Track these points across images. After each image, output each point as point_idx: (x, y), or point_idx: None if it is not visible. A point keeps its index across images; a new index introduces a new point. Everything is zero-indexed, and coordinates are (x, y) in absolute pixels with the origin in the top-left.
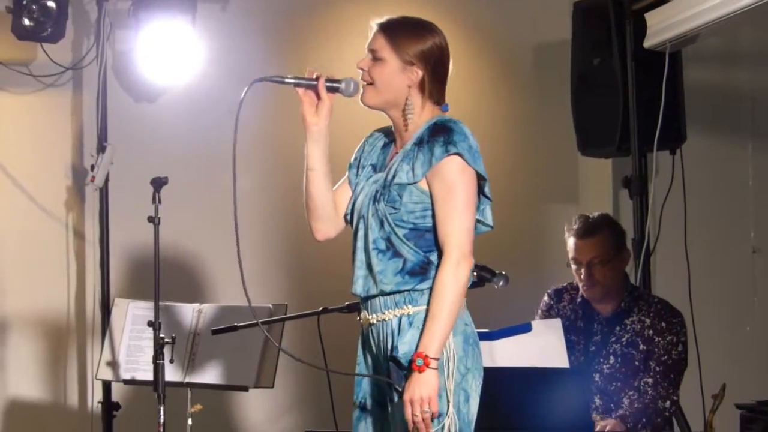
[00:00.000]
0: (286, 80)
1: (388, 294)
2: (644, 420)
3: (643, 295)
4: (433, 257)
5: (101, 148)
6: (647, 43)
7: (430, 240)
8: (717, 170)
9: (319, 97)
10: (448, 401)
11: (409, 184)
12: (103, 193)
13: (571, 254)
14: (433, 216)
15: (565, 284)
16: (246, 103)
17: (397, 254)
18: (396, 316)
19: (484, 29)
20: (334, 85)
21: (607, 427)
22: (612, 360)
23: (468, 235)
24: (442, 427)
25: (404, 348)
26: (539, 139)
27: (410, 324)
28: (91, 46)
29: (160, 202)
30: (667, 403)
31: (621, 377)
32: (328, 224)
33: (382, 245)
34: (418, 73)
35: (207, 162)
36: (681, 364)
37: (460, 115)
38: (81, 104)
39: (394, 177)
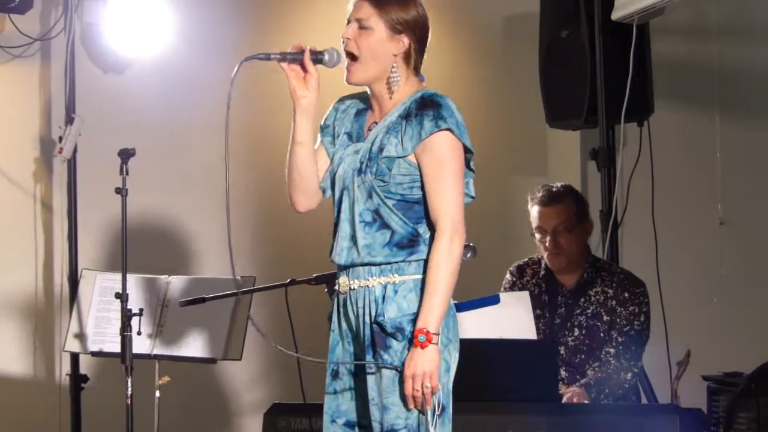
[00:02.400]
0: (272, 56)
1: (376, 264)
2: (606, 390)
3: (606, 266)
4: (421, 229)
5: (69, 120)
6: (615, 16)
7: (419, 212)
8: (684, 142)
9: (305, 70)
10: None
11: (398, 157)
12: (71, 165)
13: (535, 223)
14: (422, 189)
15: (526, 259)
16: (219, 76)
17: (384, 226)
18: (381, 283)
19: (453, 1)
20: (318, 56)
21: (572, 397)
22: (576, 332)
23: (459, 209)
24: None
25: (390, 314)
26: (507, 112)
27: (395, 292)
28: (59, 17)
29: (127, 173)
30: (629, 375)
31: (586, 349)
32: (311, 196)
33: (368, 217)
34: (404, 42)
35: (175, 133)
36: (643, 335)
37: (429, 86)
38: (49, 76)
39: (381, 150)
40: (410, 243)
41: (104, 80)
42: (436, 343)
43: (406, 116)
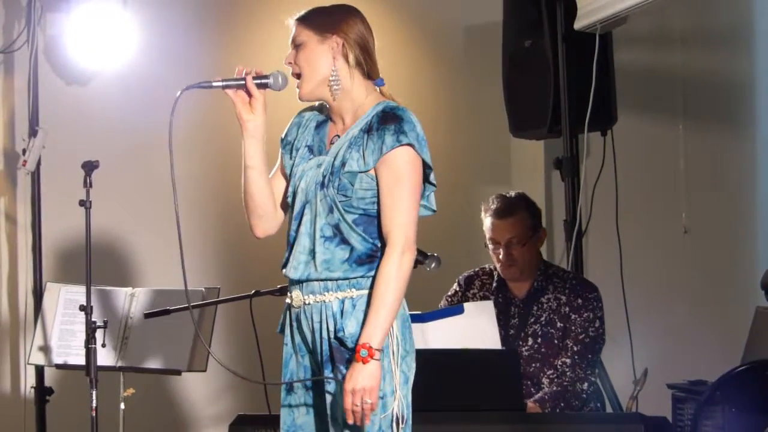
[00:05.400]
0: (214, 84)
1: (333, 280)
2: (562, 404)
3: (558, 272)
4: (380, 244)
5: (33, 132)
6: (577, 25)
7: (380, 227)
8: (648, 151)
9: (250, 94)
10: (394, 384)
11: (360, 172)
12: (35, 178)
13: (488, 234)
14: (378, 203)
15: (477, 269)
16: (173, 87)
17: (344, 242)
18: (338, 298)
19: (415, 10)
20: (263, 81)
21: None
22: (531, 342)
23: (413, 225)
24: (390, 411)
25: (350, 329)
26: (471, 121)
27: (354, 306)
28: (22, 30)
29: (91, 186)
30: (585, 385)
31: (540, 357)
32: (268, 221)
33: (329, 232)
34: (337, 40)
35: (138, 146)
36: (598, 341)
37: (391, 97)
38: (12, 88)
39: (344, 164)
40: (369, 259)
41: (68, 92)
42: (378, 359)
43: (367, 130)
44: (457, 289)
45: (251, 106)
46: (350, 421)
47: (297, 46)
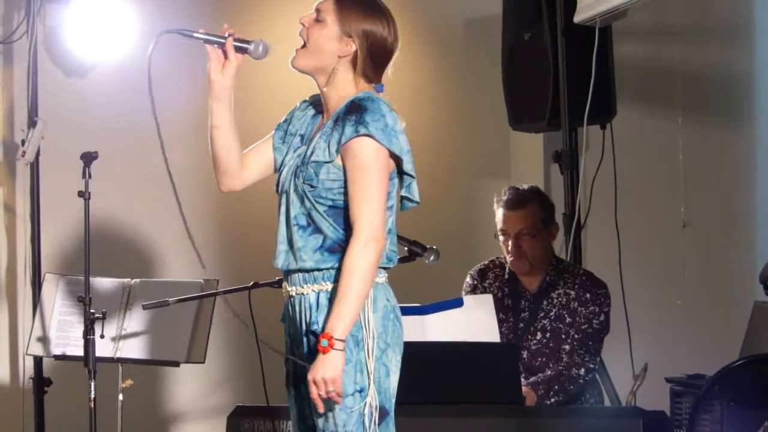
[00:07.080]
0: (195, 35)
1: (308, 270)
2: (556, 387)
3: (569, 267)
4: (349, 236)
5: (32, 123)
6: (577, 18)
7: (349, 219)
8: (647, 144)
9: (226, 55)
10: (369, 377)
11: (326, 162)
12: (34, 168)
13: (499, 225)
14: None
15: (487, 262)
16: (174, 77)
17: (317, 231)
18: (314, 291)
19: (415, 3)
20: (243, 45)
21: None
22: (539, 336)
23: (378, 216)
24: (364, 404)
25: (323, 323)
26: (470, 114)
27: (329, 300)
28: (22, 21)
29: (90, 176)
30: (582, 371)
31: (548, 352)
32: (232, 179)
33: (303, 221)
34: (351, 47)
35: (137, 137)
36: (601, 332)
37: (390, 90)
38: (11, 79)
39: (312, 154)
40: (341, 248)
41: (67, 83)
42: (341, 350)
43: (336, 120)
44: (472, 282)
45: (224, 68)
46: (320, 410)
47: (318, 19)
